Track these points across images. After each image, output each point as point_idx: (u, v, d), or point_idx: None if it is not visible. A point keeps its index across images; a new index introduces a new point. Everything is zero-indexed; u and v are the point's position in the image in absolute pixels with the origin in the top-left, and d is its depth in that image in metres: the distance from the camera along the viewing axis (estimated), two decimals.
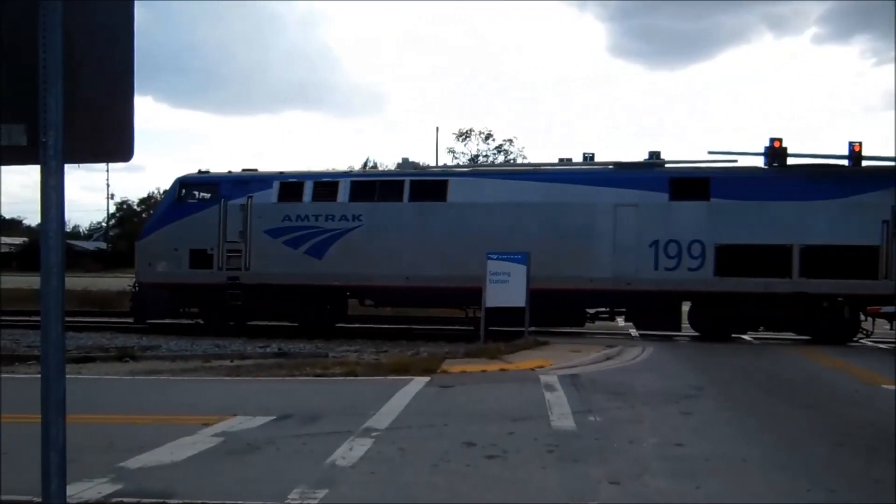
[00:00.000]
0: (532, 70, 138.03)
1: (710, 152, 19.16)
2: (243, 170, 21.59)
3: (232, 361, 15.52)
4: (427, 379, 12.65)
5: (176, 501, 6.24)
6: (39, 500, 5.56)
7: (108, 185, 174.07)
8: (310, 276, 19.65)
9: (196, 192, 21.29)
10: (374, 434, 8.77)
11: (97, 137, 3.15)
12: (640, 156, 19.48)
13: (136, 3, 3.27)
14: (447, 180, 19.56)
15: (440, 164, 37.30)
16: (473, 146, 44.51)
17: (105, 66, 3.13)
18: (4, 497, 6.31)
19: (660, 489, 6.77)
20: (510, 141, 44.76)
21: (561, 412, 10.01)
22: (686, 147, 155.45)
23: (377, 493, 6.70)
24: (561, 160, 20.19)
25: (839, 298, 17.69)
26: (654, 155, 19.30)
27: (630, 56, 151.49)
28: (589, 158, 19.58)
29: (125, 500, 6.28)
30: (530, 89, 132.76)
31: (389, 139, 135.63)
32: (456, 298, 19.12)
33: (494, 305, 17.56)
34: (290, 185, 20.49)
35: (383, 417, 9.69)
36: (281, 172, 21.06)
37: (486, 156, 44.01)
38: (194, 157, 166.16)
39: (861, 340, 18.27)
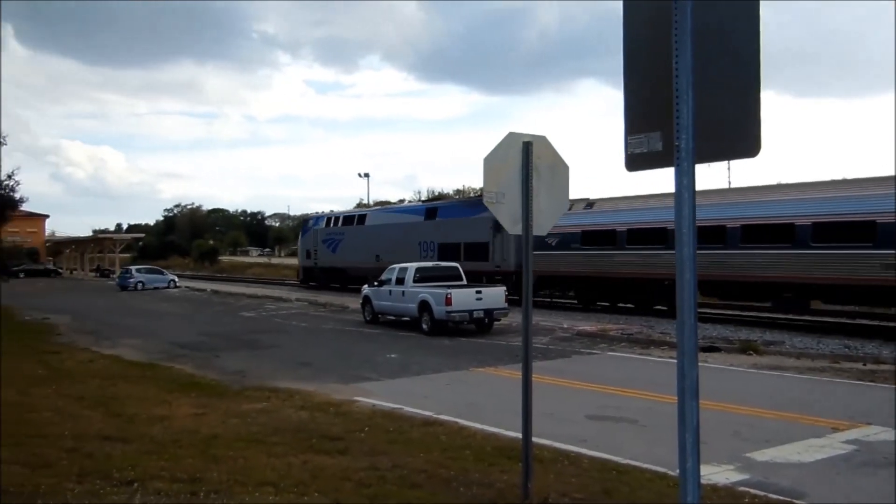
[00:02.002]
0: None
1: None
2: (330, 211, 49.24)
3: (864, 365, 14.19)
4: None
5: (804, 503, 6.03)
6: (673, 473, 6.09)
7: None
8: (332, 262, 41.33)
9: (307, 224, 46.46)
10: None
11: (724, 136, 3.27)
12: None
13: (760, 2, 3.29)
14: (367, 213, 41.76)
15: None
16: None
17: (731, 68, 3.22)
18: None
19: None
20: None
21: None
22: None
23: None
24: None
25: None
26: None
27: None
28: None
29: (752, 490, 6.35)
30: None
31: None
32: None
33: None
34: (328, 219, 43.31)
35: None
36: (332, 211, 47.66)
37: None
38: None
39: None
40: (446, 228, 32.50)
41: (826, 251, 18.62)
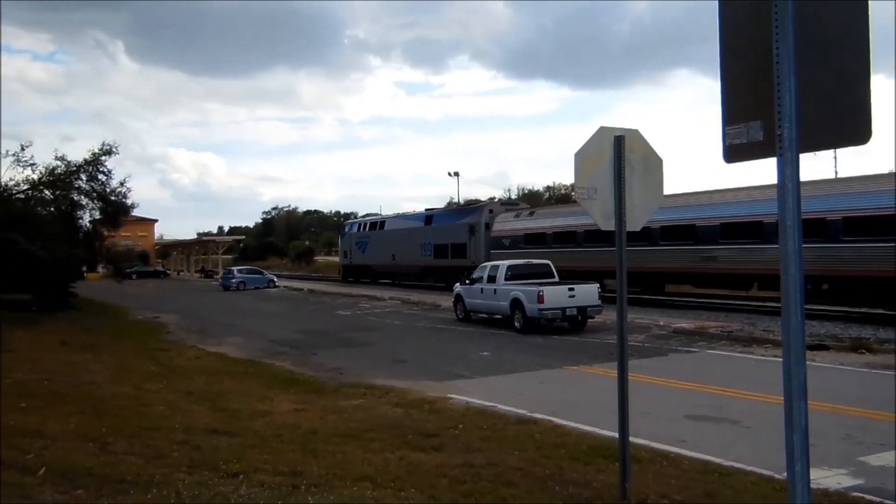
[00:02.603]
0: None
1: None
2: (363, 216, 68.56)
3: None
4: None
5: None
6: (780, 477, 5.83)
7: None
8: (362, 261, 50.39)
9: (344, 228, 57.21)
10: None
11: (831, 124, 3.10)
12: None
13: None
14: (385, 220, 49.70)
15: None
16: None
17: (837, 51, 3.04)
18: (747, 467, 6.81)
19: None
20: None
21: None
22: None
23: None
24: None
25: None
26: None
27: None
28: None
29: (866, 496, 6.01)
30: None
31: None
32: (394, 271, 47.19)
33: None
34: (357, 224, 55.00)
35: None
36: (365, 216, 65.21)
37: None
38: None
39: None
40: (438, 232, 40.73)
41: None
